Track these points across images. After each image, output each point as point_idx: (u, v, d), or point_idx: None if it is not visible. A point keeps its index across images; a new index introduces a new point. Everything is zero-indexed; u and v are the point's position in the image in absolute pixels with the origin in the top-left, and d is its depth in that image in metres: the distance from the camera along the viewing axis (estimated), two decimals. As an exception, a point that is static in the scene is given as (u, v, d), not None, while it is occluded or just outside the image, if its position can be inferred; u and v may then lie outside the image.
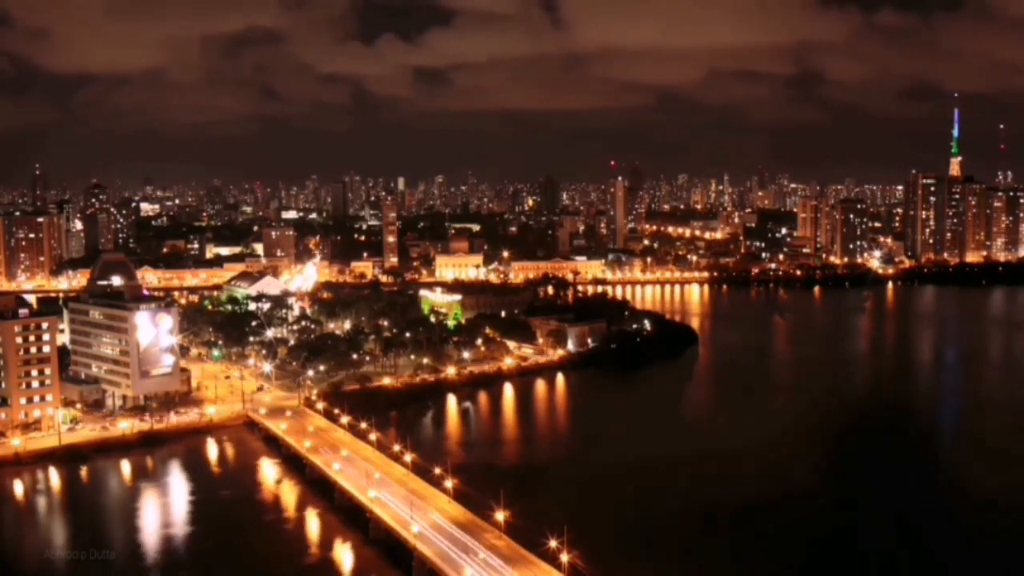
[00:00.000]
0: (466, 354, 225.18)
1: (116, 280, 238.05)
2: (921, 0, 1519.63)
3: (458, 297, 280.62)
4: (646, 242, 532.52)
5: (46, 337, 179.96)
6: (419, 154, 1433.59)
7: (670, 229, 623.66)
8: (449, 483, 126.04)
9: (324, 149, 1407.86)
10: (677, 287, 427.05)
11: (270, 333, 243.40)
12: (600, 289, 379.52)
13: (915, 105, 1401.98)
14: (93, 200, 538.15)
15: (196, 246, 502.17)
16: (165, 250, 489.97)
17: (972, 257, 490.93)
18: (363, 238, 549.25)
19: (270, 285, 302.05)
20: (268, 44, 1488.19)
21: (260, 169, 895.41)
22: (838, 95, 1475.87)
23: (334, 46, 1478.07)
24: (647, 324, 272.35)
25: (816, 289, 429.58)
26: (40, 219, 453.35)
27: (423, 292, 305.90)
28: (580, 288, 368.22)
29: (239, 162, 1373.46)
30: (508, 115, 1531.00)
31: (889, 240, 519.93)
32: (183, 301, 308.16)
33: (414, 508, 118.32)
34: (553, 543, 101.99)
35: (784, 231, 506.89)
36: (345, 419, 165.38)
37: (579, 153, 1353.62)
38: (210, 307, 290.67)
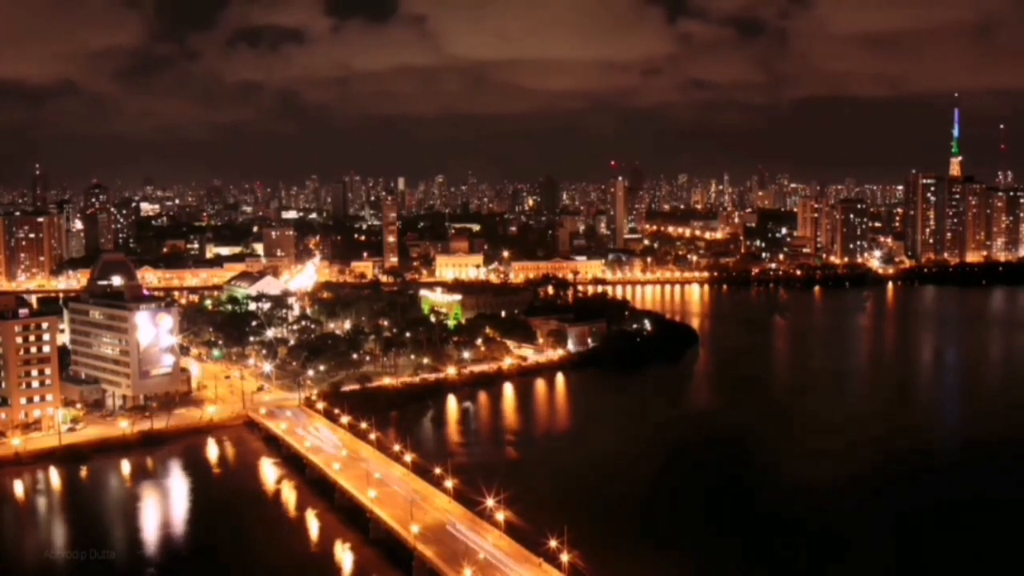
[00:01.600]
0: (466, 354, 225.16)
1: (116, 280, 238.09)
2: (718, 16, 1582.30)
3: (458, 297, 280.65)
4: (646, 242, 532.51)
5: (46, 337, 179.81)
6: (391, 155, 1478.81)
7: (670, 229, 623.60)
8: (449, 483, 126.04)
9: (285, 153, 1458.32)
10: (677, 287, 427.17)
11: (270, 333, 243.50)
12: (600, 289, 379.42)
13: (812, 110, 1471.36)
14: (93, 200, 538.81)
15: (196, 246, 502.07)
16: (165, 250, 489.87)
17: (972, 257, 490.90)
18: (363, 238, 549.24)
19: (270, 285, 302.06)
20: (168, 60, 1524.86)
21: (214, 175, 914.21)
22: (742, 98, 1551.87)
23: (229, 58, 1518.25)
24: (647, 324, 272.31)
25: (816, 289, 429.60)
26: (40, 219, 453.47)
27: (423, 292, 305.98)
28: (580, 288, 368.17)
29: (203, 164, 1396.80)
30: (456, 119, 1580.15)
31: (889, 240, 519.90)
32: (183, 301, 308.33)
33: (414, 508, 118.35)
34: (553, 543, 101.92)
35: (784, 231, 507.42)
36: (345, 419, 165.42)
37: (568, 154, 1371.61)
38: (210, 307, 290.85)
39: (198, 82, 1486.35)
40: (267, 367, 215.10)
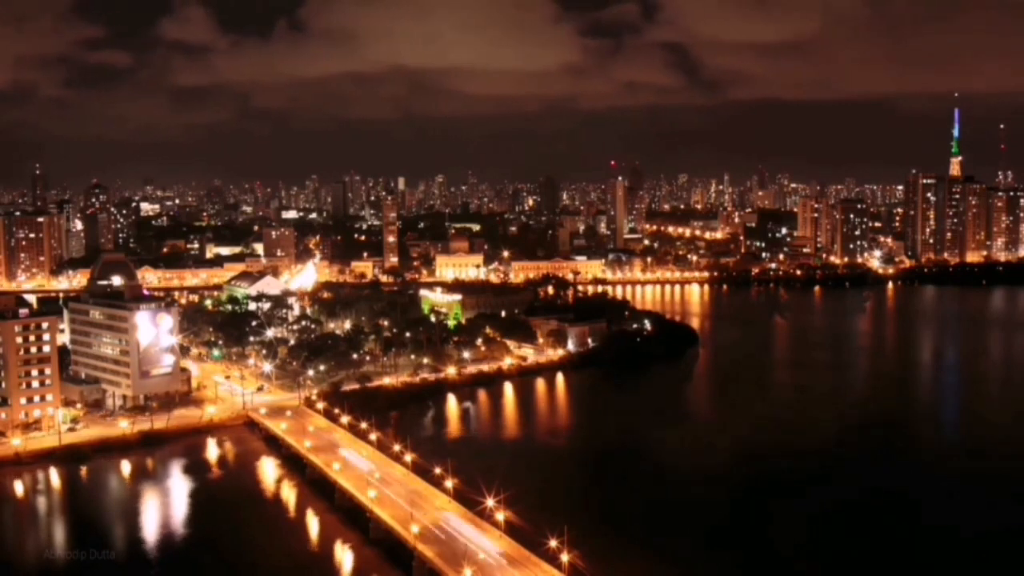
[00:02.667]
0: (466, 354, 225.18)
1: (116, 280, 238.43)
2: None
3: (458, 297, 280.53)
4: (646, 242, 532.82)
5: (46, 337, 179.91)
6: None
7: (670, 229, 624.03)
8: (449, 483, 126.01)
9: (257, 153, 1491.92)
10: (677, 287, 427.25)
11: (270, 333, 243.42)
12: (600, 289, 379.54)
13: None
14: (93, 200, 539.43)
15: (196, 246, 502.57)
16: (165, 250, 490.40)
17: (972, 257, 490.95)
18: (363, 238, 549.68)
19: (270, 285, 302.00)
20: (113, 68, 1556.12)
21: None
22: (684, 101, 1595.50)
23: (171, 66, 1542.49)
24: (647, 324, 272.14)
25: (816, 289, 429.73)
26: (40, 219, 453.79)
27: (423, 292, 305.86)
28: (580, 288, 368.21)
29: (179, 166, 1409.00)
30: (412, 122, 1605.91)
31: (889, 240, 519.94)
32: (183, 301, 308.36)
33: (414, 508, 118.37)
34: (553, 543, 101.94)
35: (784, 231, 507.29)
36: (345, 419, 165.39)
37: (565, 154, 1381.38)
38: (210, 307, 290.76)
39: (151, 87, 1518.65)
40: (267, 367, 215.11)
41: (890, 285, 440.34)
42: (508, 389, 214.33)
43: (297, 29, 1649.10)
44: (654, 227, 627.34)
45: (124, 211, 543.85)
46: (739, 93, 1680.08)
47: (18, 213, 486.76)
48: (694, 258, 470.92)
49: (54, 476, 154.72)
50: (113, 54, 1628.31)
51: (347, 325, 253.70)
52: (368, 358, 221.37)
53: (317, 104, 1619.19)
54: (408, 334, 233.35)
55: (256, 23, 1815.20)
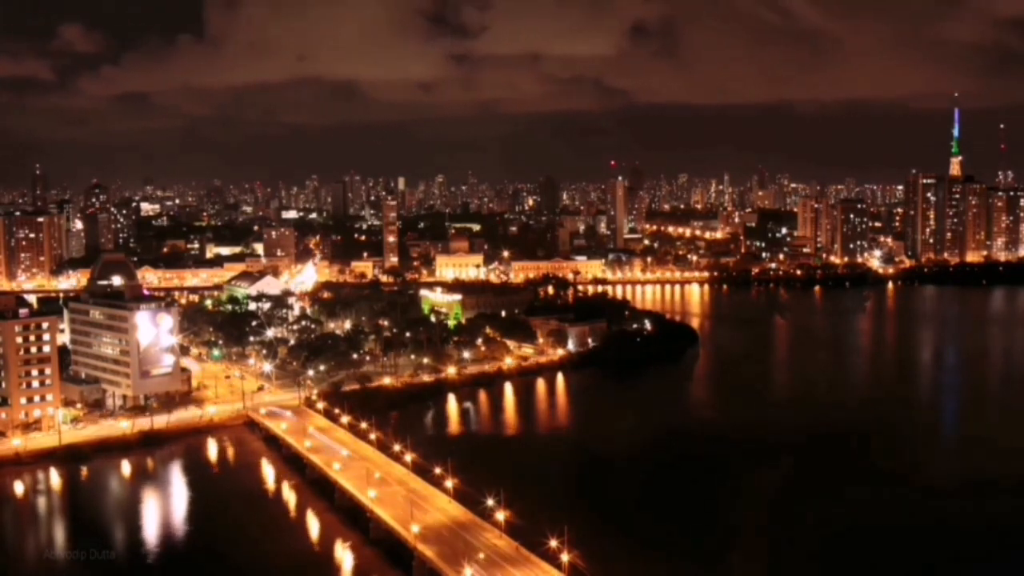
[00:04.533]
0: (466, 354, 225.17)
1: (116, 280, 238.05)
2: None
3: (458, 297, 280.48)
4: (646, 242, 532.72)
5: (46, 337, 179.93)
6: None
7: (670, 229, 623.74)
8: (449, 483, 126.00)
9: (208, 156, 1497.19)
10: (677, 287, 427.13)
11: (270, 333, 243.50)
12: (600, 289, 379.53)
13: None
14: (93, 200, 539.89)
15: (196, 246, 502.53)
16: (165, 250, 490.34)
17: (972, 257, 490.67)
18: (363, 238, 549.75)
19: (270, 285, 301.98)
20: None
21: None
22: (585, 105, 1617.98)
23: (84, 76, 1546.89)
24: (647, 324, 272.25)
25: (816, 289, 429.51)
26: (40, 219, 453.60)
27: (423, 292, 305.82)
28: (580, 288, 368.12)
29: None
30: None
31: (889, 240, 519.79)
32: (183, 301, 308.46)
33: (414, 508, 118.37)
34: (553, 543, 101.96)
35: (784, 231, 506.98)
36: (345, 419, 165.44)
37: (568, 154, 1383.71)
38: (210, 307, 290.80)
39: (78, 97, 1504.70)
40: (267, 367, 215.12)
41: (890, 285, 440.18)
42: (508, 389, 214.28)
43: (198, 41, 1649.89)
44: (654, 227, 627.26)
45: (124, 211, 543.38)
46: (643, 97, 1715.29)
47: (18, 213, 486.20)
48: (694, 258, 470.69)
49: (54, 476, 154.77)
50: (34, 65, 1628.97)
51: (347, 325, 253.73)
52: (368, 358, 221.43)
53: (245, 112, 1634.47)
54: (408, 334, 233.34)
55: (155, 35, 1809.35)
